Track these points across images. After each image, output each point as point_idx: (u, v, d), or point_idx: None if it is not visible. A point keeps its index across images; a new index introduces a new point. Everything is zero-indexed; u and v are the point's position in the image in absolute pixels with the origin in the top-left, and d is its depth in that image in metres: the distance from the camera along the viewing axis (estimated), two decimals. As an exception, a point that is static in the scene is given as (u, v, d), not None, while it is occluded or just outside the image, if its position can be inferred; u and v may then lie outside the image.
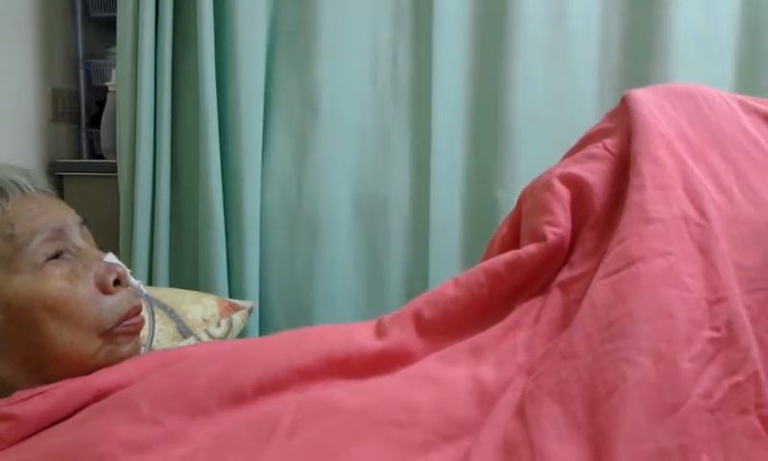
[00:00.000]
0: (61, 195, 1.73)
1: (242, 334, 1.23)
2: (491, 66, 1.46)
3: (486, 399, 0.63)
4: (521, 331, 0.71)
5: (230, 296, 1.48)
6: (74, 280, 0.68)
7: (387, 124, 1.51)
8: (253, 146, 1.50)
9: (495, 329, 0.72)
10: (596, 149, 0.83)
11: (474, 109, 1.48)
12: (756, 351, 0.63)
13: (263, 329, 1.54)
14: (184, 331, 1.07)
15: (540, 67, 1.44)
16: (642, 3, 1.41)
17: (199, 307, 1.14)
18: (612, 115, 0.88)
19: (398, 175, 1.52)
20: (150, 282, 1.54)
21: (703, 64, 1.39)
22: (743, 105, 0.84)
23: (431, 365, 0.69)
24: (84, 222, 0.75)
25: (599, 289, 0.67)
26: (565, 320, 0.69)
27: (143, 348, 0.78)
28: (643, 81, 1.37)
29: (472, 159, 1.49)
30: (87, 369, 0.67)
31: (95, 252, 0.73)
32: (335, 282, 1.54)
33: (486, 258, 0.84)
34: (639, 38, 1.41)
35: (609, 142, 0.83)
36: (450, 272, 1.21)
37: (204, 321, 1.12)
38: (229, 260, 1.52)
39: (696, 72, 1.38)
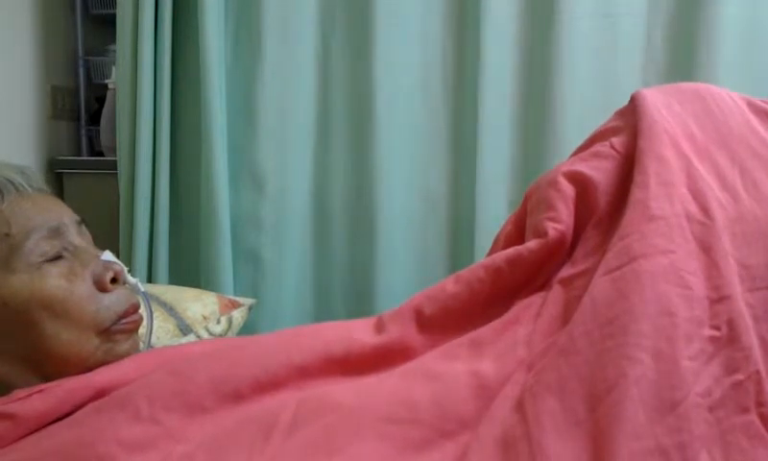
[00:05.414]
0: (61, 193, 1.73)
1: (248, 332, 1.23)
2: (537, 64, 1.45)
3: (485, 394, 0.63)
4: (522, 327, 0.71)
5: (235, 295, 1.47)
6: (72, 279, 0.68)
7: (435, 120, 1.51)
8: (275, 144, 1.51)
9: (496, 325, 0.72)
10: (603, 147, 0.83)
11: (521, 106, 1.48)
12: (757, 351, 0.62)
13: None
14: (184, 328, 1.07)
15: (586, 65, 1.43)
16: (688, 2, 1.40)
17: (198, 304, 1.14)
18: (621, 114, 0.88)
19: (444, 171, 1.51)
20: (149, 280, 1.54)
21: (747, 64, 1.38)
22: (751, 105, 0.84)
23: (431, 361, 0.68)
24: (82, 221, 0.75)
25: (600, 286, 0.67)
26: (566, 316, 0.69)
27: (142, 345, 0.78)
28: (688, 79, 1.35)
29: (519, 157, 1.49)
30: (86, 367, 0.67)
31: (92, 250, 0.73)
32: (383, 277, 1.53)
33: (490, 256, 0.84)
34: (685, 37, 1.40)
35: (615, 141, 0.82)
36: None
37: (204, 318, 1.12)
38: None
39: (740, 71, 1.37)
